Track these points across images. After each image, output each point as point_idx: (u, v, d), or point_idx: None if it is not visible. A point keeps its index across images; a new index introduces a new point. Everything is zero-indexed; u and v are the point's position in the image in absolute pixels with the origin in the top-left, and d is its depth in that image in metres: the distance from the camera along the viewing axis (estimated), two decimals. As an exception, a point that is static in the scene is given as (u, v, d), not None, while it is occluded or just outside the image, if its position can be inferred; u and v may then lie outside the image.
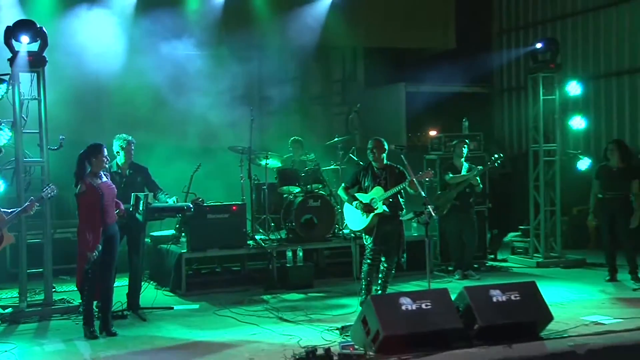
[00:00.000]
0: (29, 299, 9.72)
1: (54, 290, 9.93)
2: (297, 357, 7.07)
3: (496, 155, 11.82)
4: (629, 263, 11.00)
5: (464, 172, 11.65)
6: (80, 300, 9.01)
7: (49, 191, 8.36)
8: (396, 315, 7.42)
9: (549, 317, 7.95)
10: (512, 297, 7.90)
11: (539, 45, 13.34)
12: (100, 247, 8.32)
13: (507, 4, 18.09)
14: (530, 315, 7.92)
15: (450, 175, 11.63)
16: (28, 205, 8.15)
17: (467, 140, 12.13)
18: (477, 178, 11.56)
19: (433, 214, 8.86)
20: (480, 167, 11.65)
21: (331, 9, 14.86)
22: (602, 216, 11.34)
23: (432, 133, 13.72)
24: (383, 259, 9.54)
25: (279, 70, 15.38)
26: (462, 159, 11.77)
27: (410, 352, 7.16)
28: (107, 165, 8.73)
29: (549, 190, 13.12)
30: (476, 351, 7.34)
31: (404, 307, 7.49)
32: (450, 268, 12.14)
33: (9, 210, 8.02)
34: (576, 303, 9.67)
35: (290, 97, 14.90)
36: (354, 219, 9.68)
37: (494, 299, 7.86)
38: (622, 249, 11.17)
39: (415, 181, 9.14)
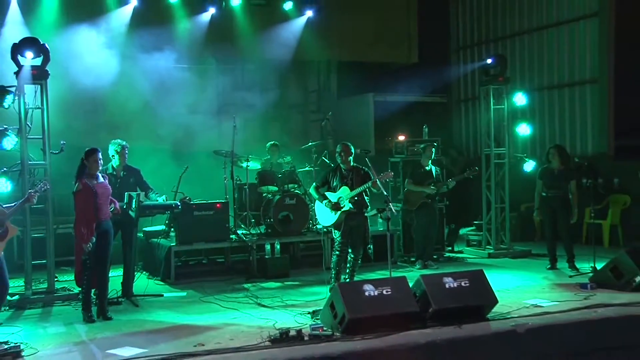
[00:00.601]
0: (33, 288, 9.78)
1: (56, 279, 9.97)
2: (272, 337, 7.16)
3: (471, 168, 11.97)
4: (567, 253, 11.13)
5: (433, 175, 11.67)
6: (80, 289, 9.01)
7: (42, 185, 8.33)
8: (360, 300, 7.50)
9: (494, 301, 8.07)
10: (463, 284, 8.02)
11: (489, 61, 13.42)
12: (94, 240, 8.35)
13: (462, 23, 18.07)
14: (478, 299, 8.04)
15: (413, 188, 11.69)
16: (28, 197, 8.07)
17: (435, 144, 12.17)
18: (450, 182, 11.66)
19: (393, 211, 8.93)
20: (451, 181, 11.72)
21: (306, 26, 14.84)
22: (545, 212, 11.43)
23: (401, 138, 13.66)
24: (350, 250, 9.62)
25: (259, 81, 15.22)
26: (429, 161, 11.76)
27: (372, 332, 7.23)
28: (101, 167, 8.73)
29: (499, 190, 13.16)
30: (430, 331, 7.42)
31: (367, 293, 7.58)
32: (412, 259, 12.12)
33: (11, 204, 8.00)
34: (520, 288, 9.76)
35: (270, 106, 14.71)
36: (324, 216, 9.75)
37: (447, 286, 7.98)
38: (562, 241, 11.25)
39: (377, 181, 9.25)
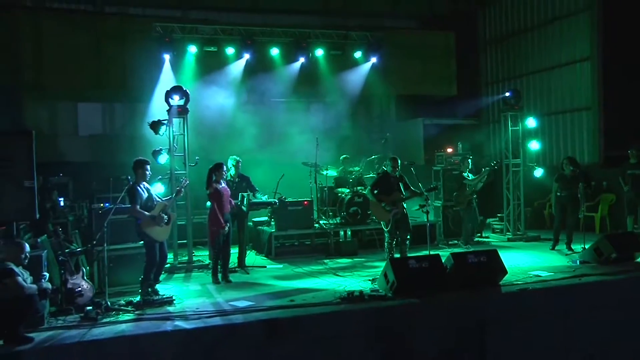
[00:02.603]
0: (179, 259, 10.29)
1: (193, 254, 10.38)
2: (341, 297, 7.38)
3: (494, 162, 11.92)
4: (567, 238, 10.97)
5: (472, 178, 11.50)
6: (209, 260, 9.59)
7: (184, 182, 8.50)
8: (405, 271, 7.65)
9: (504, 272, 8.13)
10: (481, 259, 8.08)
11: (508, 94, 13.32)
12: (226, 228, 8.76)
13: (490, 65, 17.73)
14: (492, 270, 8.09)
15: (470, 177, 11.54)
16: (178, 191, 8.19)
17: (469, 157, 12.08)
18: (484, 171, 11.46)
19: (428, 206, 9.15)
20: (487, 169, 11.50)
21: (371, 69, 14.71)
22: (558, 207, 11.26)
23: (449, 150, 13.51)
24: (398, 236, 9.61)
25: (337, 110, 15.05)
26: (468, 170, 11.68)
27: (413, 294, 7.43)
28: (225, 176, 9.14)
29: (516, 190, 13.04)
30: (455, 294, 7.59)
31: (410, 266, 7.75)
32: (451, 242, 11.97)
33: (167, 198, 8.26)
34: (527, 263, 9.73)
35: (344, 128, 14.60)
36: (377, 212, 9.85)
37: (469, 260, 8.04)
38: (567, 229, 11.03)
39: (425, 194, 9.44)
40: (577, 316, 7.75)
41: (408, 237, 9.67)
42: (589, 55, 14.30)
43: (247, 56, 13.53)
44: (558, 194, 11.20)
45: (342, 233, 11.83)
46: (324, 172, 12.56)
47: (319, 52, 14.19)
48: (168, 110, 10.07)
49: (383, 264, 8.93)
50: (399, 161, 9.80)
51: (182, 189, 8.28)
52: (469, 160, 11.86)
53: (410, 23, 17.95)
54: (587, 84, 14.43)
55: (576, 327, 7.70)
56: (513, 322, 7.46)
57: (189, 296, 7.99)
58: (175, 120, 10.13)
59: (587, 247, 9.86)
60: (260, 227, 12.10)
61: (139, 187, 7.78)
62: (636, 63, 13.18)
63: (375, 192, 9.67)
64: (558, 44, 15.19)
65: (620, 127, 13.47)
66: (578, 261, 9.51)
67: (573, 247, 10.88)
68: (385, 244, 9.72)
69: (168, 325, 6.49)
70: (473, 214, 11.69)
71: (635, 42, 13.23)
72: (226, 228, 8.83)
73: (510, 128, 13.09)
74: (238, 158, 10.37)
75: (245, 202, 9.88)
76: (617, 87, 13.74)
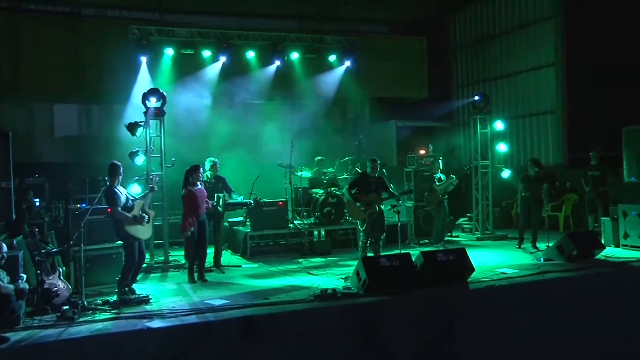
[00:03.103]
0: (155, 259, 10.25)
1: (169, 254, 10.34)
2: (315, 295, 7.42)
3: (467, 166, 11.96)
4: (532, 237, 11.13)
5: (443, 179, 11.51)
6: (185, 260, 9.59)
7: (154, 178, 8.49)
8: (377, 269, 7.68)
9: (472, 269, 8.26)
10: (450, 258, 8.19)
11: (477, 98, 13.47)
12: (192, 229, 8.71)
13: (460, 69, 17.93)
14: (460, 268, 8.21)
15: (442, 178, 11.52)
16: (151, 188, 8.11)
17: (440, 158, 12.09)
18: (453, 178, 11.45)
19: (399, 207, 9.25)
20: (453, 177, 11.44)
21: (346, 72, 14.71)
22: (523, 207, 11.42)
23: (422, 152, 13.53)
24: (373, 237, 9.57)
25: (311, 112, 15.01)
26: (439, 171, 11.71)
27: (384, 291, 7.49)
28: (201, 178, 9.13)
29: (484, 190, 13.19)
30: (425, 290, 7.66)
31: (382, 264, 7.81)
32: (422, 241, 12.03)
33: (141, 196, 8.17)
34: (494, 261, 9.86)
35: (318, 130, 14.71)
36: (352, 212, 9.79)
37: (438, 258, 8.14)
38: (532, 228, 11.17)
39: (395, 192, 9.52)
40: (540, 310, 7.91)
41: (382, 237, 9.70)
42: (554, 61, 14.62)
43: (223, 59, 13.51)
44: (523, 194, 11.36)
45: (316, 233, 11.85)
46: (299, 174, 12.57)
47: (295, 56, 14.23)
48: (145, 112, 10.00)
49: (356, 262, 8.80)
50: (379, 162, 9.81)
51: (155, 185, 8.26)
52: (440, 161, 11.94)
53: (384, 28, 18.19)
54: (551, 88, 14.73)
55: (539, 320, 7.86)
56: (480, 316, 7.58)
57: (165, 295, 7.97)
58: (152, 122, 10.07)
59: (550, 245, 10.04)
60: (235, 227, 12.09)
61: (116, 189, 7.76)
62: (598, 69, 13.47)
63: (353, 191, 9.66)
64: (525, 50, 15.49)
65: (583, 131, 13.76)
66: (542, 259, 9.70)
67: (538, 245, 11.05)
68: (360, 243, 9.75)
69: (145, 324, 6.49)
70: (443, 213, 11.75)
71: (597, 49, 13.52)
72: (190, 231, 8.76)
73: (479, 131, 13.25)
74: (215, 159, 10.36)
75: (221, 203, 9.86)
76: (580, 92, 14.09)
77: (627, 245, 10.55)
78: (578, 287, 8.39)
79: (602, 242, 10.45)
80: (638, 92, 12.89)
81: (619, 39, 13.04)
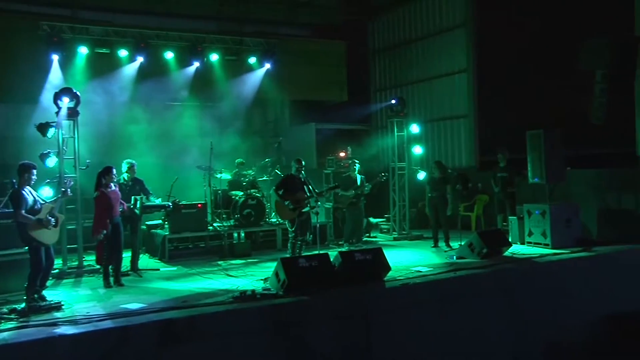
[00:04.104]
0: (68, 264, 9.87)
1: (83, 259, 10.06)
2: (234, 296, 7.39)
3: (383, 174, 12.01)
4: (445, 236, 11.56)
5: (358, 182, 11.61)
6: (98, 265, 9.30)
7: (68, 182, 8.25)
8: (296, 270, 7.72)
9: (388, 268, 8.43)
10: (367, 257, 8.32)
11: (394, 101, 13.83)
12: (104, 232, 8.48)
13: (378, 73, 18.18)
14: (377, 267, 8.35)
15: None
16: (63, 192, 7.90)
17: (357, 161, 12.24)
18: (367, 186, 11.63)
19: (318, 208, 9.34)
20: (368, 185, 11.67)
21: (266, 74, 14.78)
22: (430, 207, 11.79)
23: (342, 154, 13.79)
24: (299, 237, 9.65)
25: (231, 114, 14.74)
26: (356, 172, 11.85)
27: (303, 292, 7.51)
28: (115, 180, 8.91)
29: (401, 192, 13.52)
30: (343, 290, 7.69)
31: (301, 265, 7.84)
32: (340, 242, 12.05)
33: (52, 199, 7.93)
34: (410, 260, 10.07)
35: (238, 132, 14.40)
36: (281, 213, 9.75)
37: (356, 258, 8.27)
38: (442, 228, 11.64)
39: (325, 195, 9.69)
40: (452, 305, 8.22)
41: (309, 238, 9.78)
42: (466, 67, 15.13)
43: (140, 59, 13.27)
44: (429, 195, 11.74)
45: (235, 235, 11.84)
46: (218, 176, 12.53)
47: (214, 57, 14.16)
48: (57, 113, 9.73)
49: (276, 264, 8.81)
50: (303, 163, 9.86)
51: (68, 190, 8.03)
52: (356, 163, 12.12)
53: (304, 31, 18.21)
54: (464, 93, 15.23)
55: (451, 315, 8.16)
56: (396, 313, 7.78)
57: (79, 301, 7.75)
58: (65, 123, 9.81)
59: (462, 243, 10.37)
60: (153, 231, 11.93)
61: (23, 192, 7.46)
62: (507, 75, 14.15)
63: (281, 192, 9.68)
64: (439, 56, 15.95)
65: (494, 134, 14.35)
66: (454, 257, 10.08)
67: (451, 244, 11.45)
68: (289, 244, 9.78)
69: (56, 331, 6.26)
70: (358, 214, 11.89)
71: (506, 56, 14.22)
72: (101, 235, 8.58)
73: (396, 133, 13.57)
74: (132, 161, 10.19)
75: (138, 205, 9.69)
76: (490, 97, 14.68)
77: (531, 242, 11.11)
78: (487, 283, 8.76)
79: (510, 239, 10.96)
80: (543, 96, 13.68)
81: (525, 47, 13.75)
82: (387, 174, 12.24)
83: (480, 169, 14.71)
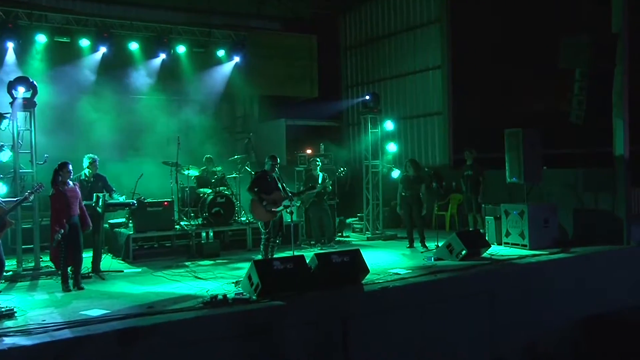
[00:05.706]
0: (23, 266, 9.53)
1: (40, 260, 9.68)
2: (204, 301, 7.05)
3: (341, 169, 11.71)
4: (420, 236, 11.33)
5: (320, 180, 11.41)
6: (55, 267, 8.78)
7: (37, 187, 8.11)
8: (270, 272, 7.46)
9: (367, 271, 8.21)
10: (345, 259, 8.05)
11: (367, 97, 13.62)
12: (62, 231, 8.09)
13: (350, 69, 17.99)
14: (355, 269, 8.11)
15: (321, 175, 11.48)
16: (25, 197, 7.81)
17: (318, 159, 12.04)
18: (329, 184, 11.45)
19: (292, 207, 9.07)
20: (329, 181, 11.48)
21: (235, 68, 14.58)
22: (403, 207, 11.56)
23: (309, 151, 13.53)
24: (272, 237, 9.39)
25: (198, 109, 14.71)
26: (318, 170, 11.72)
27: (278, 296, 7.23)
28: (72, 176, 8.47)
29: (375, 190, 13.28)
30: (321, 293, 7.52)
31: (275, 267, 7.57)
32: (312, 242, 11.89)
33: (6, 200, 7.63)
34: (386, 262, 9.88)
35: (206, 127, 14.33)
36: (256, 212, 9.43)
37: (334, 260, 8.00)
38: (416, 227, 11.44)
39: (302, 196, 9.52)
40: (432, 309, 8.05)
41: (279, 239, 9.55)
42: (440, 64, 14.99)
43: (103, 49, 12.90)
44: (402, 194, 11.53)
45: (204, 234, 11.57)
46: (185, 172, 12.26)
47: (181, 49, 13.96)
48: (11, 103, 9.28)
49: (246, 265, 8.66)
50: (279, 160, 9.60)
51: (31, 195, 7.66)
52: (318, 161, 11.94)
53: (275, 25, 17.94)
54: (438, 90, 15.09)
55: (431, 319, 7.99)
56: (374, 317, 7.58)
57: (34, 307, 7.25)
58: (21, 115, 9.37)
59: (440, 244, 10.23)
60: (117, 229, 11.57)
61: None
62: (482, 72, 14.01)
63: (256, 189, 9.30)
64: (412, 52, 15.79)
65: (467, 132, 14.20)
66: (433, 258, 9.87)
67: (427, 244, 11.28)
68: (262, 245, 9.50)
69: (5, 343, 5.71)
70: (322, 213, 11.71)
71: (481, 53, 14.07)
72: (59, 234, 8.12)
73: (369, 130, 13.39)
74: (94, 156, 9.76)
75: (100, 203, 9.31)
76: (464, 94, 14.55)
77: (508, 243, 10.97)
78: (467, 286, 8.61)
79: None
80: (519, 93, 13.55)
81: (501, 43, 13.59)
82: (345, 168, 11.97)
83: (454, 168, 14.57)
